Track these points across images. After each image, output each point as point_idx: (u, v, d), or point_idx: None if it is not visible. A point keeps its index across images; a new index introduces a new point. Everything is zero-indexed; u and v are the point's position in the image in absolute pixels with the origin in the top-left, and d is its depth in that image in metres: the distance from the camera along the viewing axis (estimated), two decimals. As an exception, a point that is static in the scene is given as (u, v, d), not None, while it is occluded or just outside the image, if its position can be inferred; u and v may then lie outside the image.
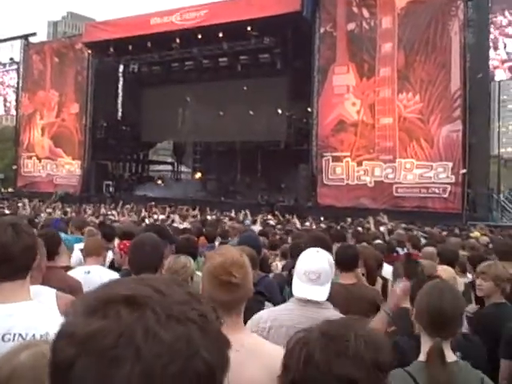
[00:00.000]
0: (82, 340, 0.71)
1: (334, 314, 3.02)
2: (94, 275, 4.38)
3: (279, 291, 4.83)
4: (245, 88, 31.14)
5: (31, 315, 2.18)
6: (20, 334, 2.11)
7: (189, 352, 0.73)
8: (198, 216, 17.75)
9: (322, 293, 3.02)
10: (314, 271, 3.00)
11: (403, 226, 15.22)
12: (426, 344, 2.46)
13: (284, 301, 3.60)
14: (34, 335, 2.10)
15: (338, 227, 14.28)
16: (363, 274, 4.90)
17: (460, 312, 2.54)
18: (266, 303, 3.93)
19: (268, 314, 3.12)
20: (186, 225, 12.08)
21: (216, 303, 2.08)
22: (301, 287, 3.02)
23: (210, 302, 2.14)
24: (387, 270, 5.51)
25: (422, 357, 2.45)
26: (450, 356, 2.41)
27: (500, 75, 22.82)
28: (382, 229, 12.61)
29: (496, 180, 23.97)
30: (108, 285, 0.81)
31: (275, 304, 3.79)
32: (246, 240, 5.15)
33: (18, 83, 38.99)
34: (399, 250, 8.36)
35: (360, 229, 13.05)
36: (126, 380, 0.69)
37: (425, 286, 2.68)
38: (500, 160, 24.39)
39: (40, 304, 2.32)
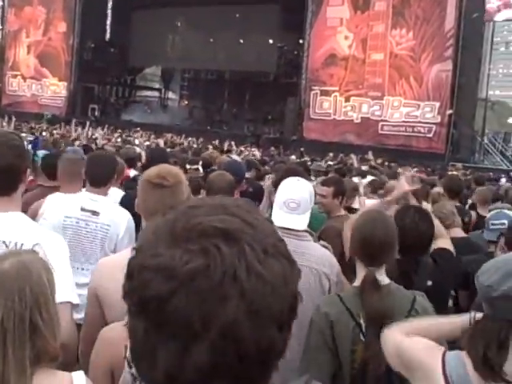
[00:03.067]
0: (184, 277, 0.69)
1: (313, 244, 3.06)
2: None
3: None
4: (237, 15, 30.67)
5: (14, 225, 2.21)
6: (4, 242, 2.15)
7: (286, 289, 0.73)
8: (184, 144, 17.85)
9: (301, 221, 3.00)
10: (294, 200, 2.98)
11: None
12: (360, 271, 2.54)
13: None
14: (22, 245, 2.12)
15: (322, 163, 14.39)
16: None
17: (391, 241, 2.54)
18: None
19: None
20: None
21: (147, 211, 2.34)
22: (280, 216, 2.96)
23: (142, 210, 2.32)
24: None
25: (356, 282, 2.55)
26: (383, 280, 2.48)
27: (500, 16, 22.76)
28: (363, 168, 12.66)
29: (481, 122, 24.16)
30: (190, 212, 0.76)
31: None
32: (228, 167, 5.11)
33: (5, -1, 38.09)
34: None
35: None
36: (232, 319, 0.68)
37: (360, 216, 2.77)
38: (487, 103, 24.48)
39: (25, 216, 2.34)
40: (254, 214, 0.78)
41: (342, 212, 4.57)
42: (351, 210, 4.96)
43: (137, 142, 16.10)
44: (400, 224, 2.73)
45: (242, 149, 18.52)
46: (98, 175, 3.73)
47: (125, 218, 3.52)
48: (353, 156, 14.24)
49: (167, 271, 0.70)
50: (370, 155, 15.65)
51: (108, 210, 3.56)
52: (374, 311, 2.37)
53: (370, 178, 8.14)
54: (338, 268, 3.03)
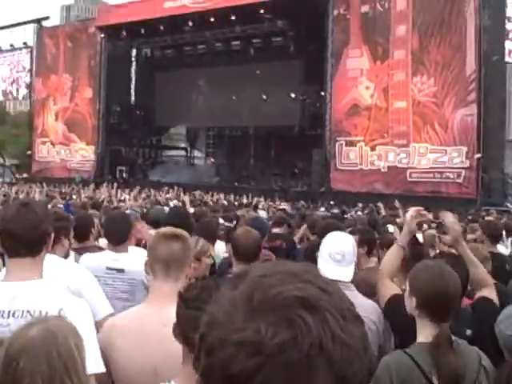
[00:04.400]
0: (272, 351, 0.68)
1: (357, 296, 3.10)
2: None
3: None
4: (258, 72, 31.26)
5: (37, 294, 2.27)
6: (28, 311, 2.21)
7: (366, 353, 0.74)
8: (210, 200, 17.98)
9: (348, 273, 3.09)
10: (339, 252, 3.09)
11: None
12: (425, 326, 2.45)
13: None
14: (46, 312, 2.15)
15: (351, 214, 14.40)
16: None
17: (459, 294, 2.52)
18: None
19: None
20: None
21: (158, 262, 2.50)
22: (327, 268, 3.03)
23: (153, 261, 2.49)
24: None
25: (421, 338, 2.44)
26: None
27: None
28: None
29: (511, 165, 23.97)
30: (264, 282, 0.75)
31: None
32: (252, 223, 5.32)
33: (31, 68, 39.51)
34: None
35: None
36: None
37: (423, 266, 2.63)
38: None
39: (48, 282, 2.39)
40: (324, 278, 0.79)
41: (372, 263, 4.57)
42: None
43: (171, 203, 16.21)
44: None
45: (271, 203, 18.61)
46: (115, 233, 4.03)
47: None
48: (380, 205, 14.25)
49: (254, 345, 0.69)
50: (397, 203, 15.63)
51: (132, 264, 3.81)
52: (452, 370, 2.28)
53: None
54: (383, 316, 3.11)
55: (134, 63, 37.10)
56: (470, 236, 6.64)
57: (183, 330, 1.93)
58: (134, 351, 2.36)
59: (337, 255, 3.10)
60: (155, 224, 6.52)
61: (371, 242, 4.69)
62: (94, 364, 2.12)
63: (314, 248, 3.75)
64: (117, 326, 2.53)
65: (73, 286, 3.00)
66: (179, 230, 2.67)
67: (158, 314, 2.38)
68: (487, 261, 4.20)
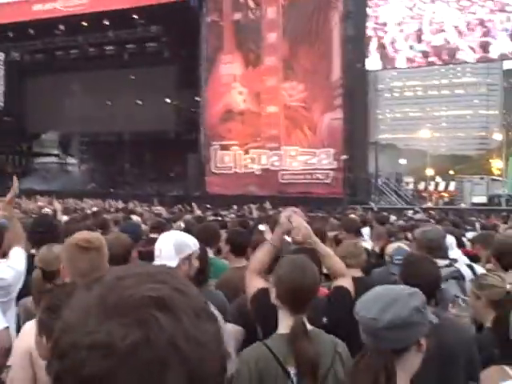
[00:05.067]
0: (124, 352, 0.68)
1: None
2: None
3: None
4: (132, 77, 31.28)
5: None
6: None
7: (219, 350, 0.75)
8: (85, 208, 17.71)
9: None
10: (157, 248, 3.28)
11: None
12: (285, 317, 2.53)
13: None
14: None
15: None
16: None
17: (316, 287, 2.61)
18: None
19: None
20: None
21: (76, 275, 2.58)
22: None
23: (70, 273, 2.64)
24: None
25: (282, 330, 2.52)
26: (308, 326, 2.50)
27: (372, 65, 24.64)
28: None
29: (374, 165, 25.59)
30: (118, 284, 0.75)
31: None
32: (124, 228, 5.56)
33: None
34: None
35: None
36: None
37: (285, 259, 2.76)
38: (378, 146, 26.07)
39: None
40: (180, 279, 0.79)
41: (242, 263, 4.54)
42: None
43: (43, 212, 15.68)
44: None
45: (147, 208, 18.61)
46: None
47: None
48: (252, 206, 14.79)
49: (105, 348, 0.68)
50: (267, 204, 16.33)
51: None
52: (308, 359, 2.37)
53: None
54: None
55: (1, 68, 35.66)
56: (330, 233, 6.82)
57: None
58: None
59: (156, 251, 3.26)
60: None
61: (238, 241, 4.83)
62: None
63: None
64: None
65: None
66: (91, 238, 2.75)
67: None
68: (357, 256, 4.46)
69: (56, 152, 40.12)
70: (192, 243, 3.29)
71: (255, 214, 13.67)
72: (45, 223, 5.22)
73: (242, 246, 4.80)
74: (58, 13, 29.17)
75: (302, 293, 2.51)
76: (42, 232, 4.77)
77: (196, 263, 3.24)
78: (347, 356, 2.50)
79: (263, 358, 2.43)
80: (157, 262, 3.15)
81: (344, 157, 23.62)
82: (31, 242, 4.69)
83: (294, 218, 3.25)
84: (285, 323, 2.50)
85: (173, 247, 3.22)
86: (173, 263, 3.11)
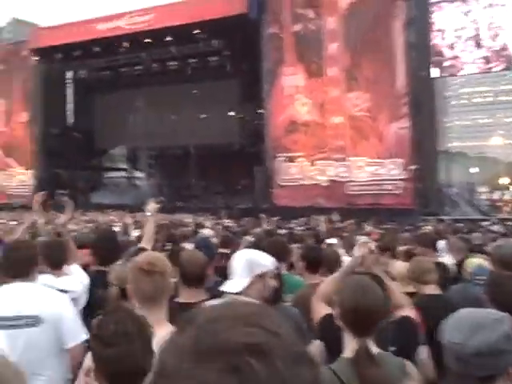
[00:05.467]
0: None
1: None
2: None
3: None
4: (195, 91, 31.60)
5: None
6: None
7: None
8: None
9: (232, 285, 3.21)
10: (230, 265, 3.29)
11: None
12: (350, 341, 2.51)
13: None
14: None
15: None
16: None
17: (381, 310, 2.57)
18: None
19: None
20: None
21: (140, 297, 2.64)
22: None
23: (136, 297, 2.73)
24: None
25: (347, 353, 2.49)
26: (375, 350, 2.46)
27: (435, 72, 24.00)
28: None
29: (445, 174, 24.94)
30: (211, 328, 0.75)
31: None
32: (198, 244, 5.54)
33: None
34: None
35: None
36: None
37: (348, 280, 2.76)
38: (447, 155, 25.38)
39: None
40: (275, 319, 0.78)
41: (317, 280, 4.49)
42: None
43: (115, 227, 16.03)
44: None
45: (218, 221, 18.76)
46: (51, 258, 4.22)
47: None
48: (320, 218, 14.62)
49: None
50: (335, 216, 16.08)
51: None
52: (372, 382, 2.34)
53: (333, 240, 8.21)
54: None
55: (70, 85, 36.82)
56: (402, 248, 6.69)
57: (107, 370, 1.97)
58: None
59: (230, 268, 3.28)
60: (81, 247, 6.70)
61: (312, 258, 4.81)
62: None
63: None
64: None
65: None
66: (155, 261, 2.75)
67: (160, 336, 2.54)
68: (432, 272, 4.35)
69: (124, 166, 41.09)
70: (267, 262, 3.29)
71: (322, 226, 13.50)
72: (110, 240, 5.37)
73: (316, 262, 4.79)
74: (122, 31, 29.72)
75: (364, 314, 2.47)
76: (108, 249, 4.91)
77: (272, 283, 3.24)
78: (418, 376, 2.50)
79: (329, 381, 2.39)
80: (231, 279, 3.22)
81: (413, 167, 23.10)
82: (98, 258, 4.88)
83: (367, 256, 3.33)
84: (350, 346, 2.49)
85: (245, 265, 3.22)
86: (244, 281, 3.16)
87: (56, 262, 4.24)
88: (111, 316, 2.10)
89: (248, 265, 3.23)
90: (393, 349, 2.89)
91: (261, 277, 3.17)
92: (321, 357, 3.12)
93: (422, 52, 23.73)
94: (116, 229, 12.09)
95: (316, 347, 3.19)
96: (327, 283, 3.32)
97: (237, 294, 3.13)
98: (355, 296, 2.52)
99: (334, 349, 2.73)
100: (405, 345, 3.02)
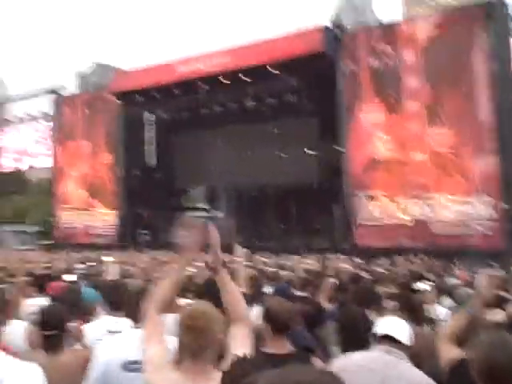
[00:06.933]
0: None
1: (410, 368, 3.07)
2: None
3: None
4: (273, 130, 31.71)
5: None
6: None
7: None
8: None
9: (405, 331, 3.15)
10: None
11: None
12: None
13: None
14: None
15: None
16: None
17: None
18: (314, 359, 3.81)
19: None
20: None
21: (185, 350, 2.58)
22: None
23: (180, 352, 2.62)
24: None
25: None
26: None
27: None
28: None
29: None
30: None
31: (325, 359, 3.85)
32: (279, 289, 5.49)
33: (52, 136, 40.70)
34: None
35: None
36: None
37: (484, 335, 2.57)
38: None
39: None
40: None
41: (413, 328, 4.42)
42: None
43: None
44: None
45: (298, 261, 18.44)
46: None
47: None
48: (398, 259, 14.09)
49: None
50: (422, 257, 15.48)
51: None
52: None
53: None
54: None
55: (150, 126, 37.90)
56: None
57: None
58: None
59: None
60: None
61: (412, 307, 4.68)
62: None
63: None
64: None
65: None
66: (201, 315, 2.64)
67: None
68: None
69: (203, 206, 41.63)
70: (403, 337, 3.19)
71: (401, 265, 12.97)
72: (213, 287, 5.22)
73: (415, 310, 4.64)
74: (200, 72, 30.31)
75: (502, 373, 2.27)
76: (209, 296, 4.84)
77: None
78: None
79: None
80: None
81: (505, 206, 22.01)
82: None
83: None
84: None
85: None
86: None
87: None
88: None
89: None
90: None
91: None
92: None
93: (506, 82, 22.79)
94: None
95: None
96: (455, 322, 3.23)
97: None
98: (493, 352, 2.34)
99: None
100: None
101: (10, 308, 3.05)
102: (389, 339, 3.10)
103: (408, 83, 24.52)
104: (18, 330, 4.07)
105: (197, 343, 2.55)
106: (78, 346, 4.15)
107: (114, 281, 6.51)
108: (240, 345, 2.73)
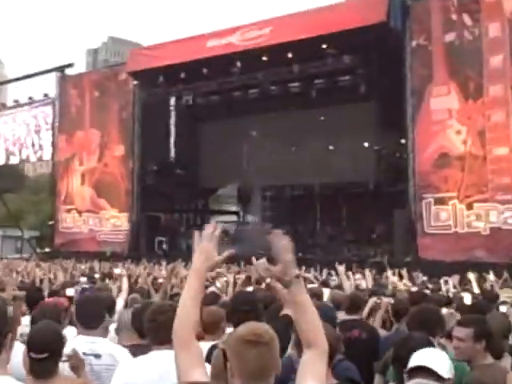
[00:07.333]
0: None
1: None
2: None
3: None
4: (322, 118, 31.61)
5: None
6: None
7: None
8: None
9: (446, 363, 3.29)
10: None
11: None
12: None
13: None
14: None
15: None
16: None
17: None
18: None
19: None
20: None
21: (243, 374, 2.58)
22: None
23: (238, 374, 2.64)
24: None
25: None
26: None
27: None
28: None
29: None
30: None
31: None
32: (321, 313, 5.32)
33: (53, 123, 40.63)
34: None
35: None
36: None
37: None
38: None
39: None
40: None
41: (489, 359, 4.43)
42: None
43: (217, 283, 15.96)
44: None
45: (346, 277, 18.27)
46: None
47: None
48: (471, 276, 13.92)
49: None
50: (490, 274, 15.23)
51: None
52: None
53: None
54: None
55: (173, 114, 37.93)
56: None
57: None
58: None
59: None
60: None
61: (488, 334, 4.52)
62: None
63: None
64: None
65: None
66: (262, 332, 2.67)
67: None
68: None
69: (235, 209, 41.64)
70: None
71: (452, 287, 12.69)
72: (249, 300, 5.42)
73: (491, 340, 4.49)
74: (235, 48, 30.28)
75: None
76: (246, 311, 5.00)
77: None
78: None
79: None
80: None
81: None
82: (232, 323, 5.09)
83: None
84: None
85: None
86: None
87: None
88: None
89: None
90: None
91: None
92: None
93: None
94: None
95: None
96: None
97: None
98: None
99: None
100: None
101: (15, 328, 3.18)
102: (422, 371, 3.16)
103: (491, 63, 24.16)
104: (17, 352, 4.22)
105: (262, 361, 2.57)
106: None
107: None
108: (311, 376, 2.77)
